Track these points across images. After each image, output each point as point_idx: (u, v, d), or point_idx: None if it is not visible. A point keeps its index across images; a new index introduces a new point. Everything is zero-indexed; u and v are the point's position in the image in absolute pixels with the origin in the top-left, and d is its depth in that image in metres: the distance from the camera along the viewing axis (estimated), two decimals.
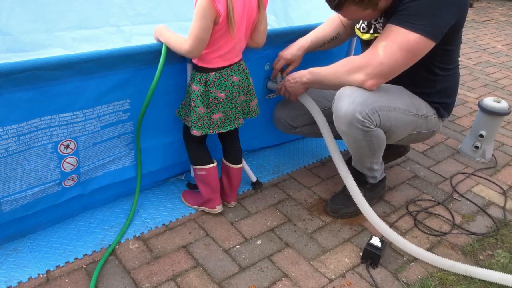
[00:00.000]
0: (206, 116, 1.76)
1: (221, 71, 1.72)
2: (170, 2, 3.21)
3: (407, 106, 1.85)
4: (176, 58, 1.80)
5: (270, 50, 2.12)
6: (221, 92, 1.74)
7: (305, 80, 1.91)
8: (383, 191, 2.22)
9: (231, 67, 1.74)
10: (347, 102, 1.72)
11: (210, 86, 1.72)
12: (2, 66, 1.38)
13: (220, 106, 1.76)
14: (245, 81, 1.82)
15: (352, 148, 1.91)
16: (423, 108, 1.92)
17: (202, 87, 1.71)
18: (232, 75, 1.75)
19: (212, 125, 1.78)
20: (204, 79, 1.71)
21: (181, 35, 1.67)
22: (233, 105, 1.80)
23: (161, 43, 1.71)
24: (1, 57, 2.60)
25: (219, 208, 2.00)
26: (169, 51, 1.70)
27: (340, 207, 2.07)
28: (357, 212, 2.02)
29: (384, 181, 2.19)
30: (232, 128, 1.84)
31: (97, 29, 2.96)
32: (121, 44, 3.01)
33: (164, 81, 1.81)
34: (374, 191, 2.14)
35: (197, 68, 1.73)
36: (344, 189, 2.05)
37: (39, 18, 2.73)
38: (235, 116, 1.83)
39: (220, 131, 1.82)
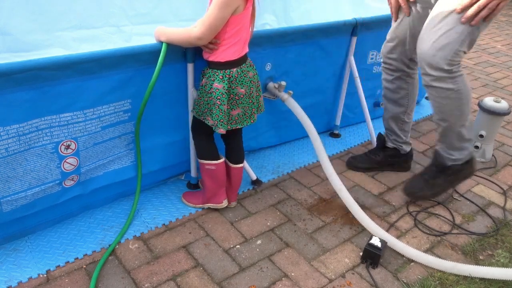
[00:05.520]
0: (226, 113, 1.75)
1: (241, 66, 1.72)
2: (170, 2, 3.21)
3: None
4: (176, 58, 1.80)
5: (270, 50, 2.12)
6: (241, 88, 1.74)
7: None
8: (468, 172, 2.12)
9: (246, 63, 1.75)
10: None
11: (233, 82, 1.71)
12: (2, 66, 1.38)
13: (240, 102, 1.76)
14: (256, 76, 1.83)
15: (441, 108, 1.91)
16: None
17: (226, 84, 1.70)
18: (249, 71, 1.76)
19: (230, 121, 1.78)
20: (227, 76, 1.70)
21: (183, 27, 1.67)
22: (250, 101, 1.81)
23: (161, 42, 1.70)
24: (1, 57, 2.60)
25: (225, 202, 2.00)
26: (169, 50, 1.70)
27: (416, 191, 2.13)
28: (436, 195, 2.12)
29: (472, 162, 2.09)
30: (248, 124, 1.84)
31: (97, 29, 2.95)
32: (121, 44, 3.00)
33: (164, 81, 1.81)
34: (457, 175, 2.10)
35: (216, 66, 1.71)
36: (423, 172, 2.14)
37: (39, 18, 2.73)
38: (251, 112, 1.83)
39: (237, 127, 1.82)
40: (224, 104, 1.71)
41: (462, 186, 2.38)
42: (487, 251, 1.93)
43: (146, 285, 1.64)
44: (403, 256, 1.86)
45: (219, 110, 1.72)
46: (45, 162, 1.64)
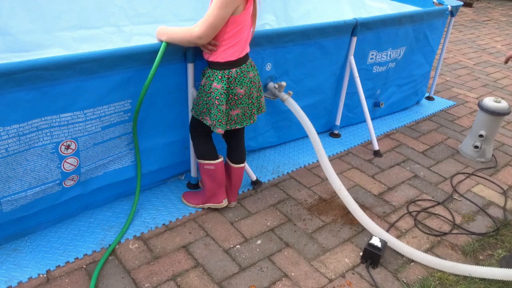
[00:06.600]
0: (225, 113, 1.76)
1: (241, 67, 1.72)
2: (170, 2, 3.21)
3: None
4: (176, 58, 1.80)
5: (270, 50, 2.12)
6: (241, 88, 1.74)
7: None
8: None
9: (247, 63, 1.75)
10: None
11: (232, 82, 1.72)
12: (2, 66, 1.38)
13: (239, 103, 1.76)
14: (257, 77, 1.83)
15: None
16: None
17: (225, 84, 1.70)
18: (249, 71, 1.76)
19: (229, 121, 1.79)
20: (226, 76, 1.70)
21: (185, 27, 1.67)
22: (250, 101, 1.81)
23: (161, 42, 1.70)
24: (1, 57, 2.60)
25: (225, 202, 2.01)
26: (169, 50, 1.70)
27: None
28: None
29: None
30: (248, 124, 1.84)
31: (97, 29, 2.96)
32: (121, 44, 3.01)
33: (164, 80, 1.81)
34: None
35: (215, 66, 1.71)
36: None
37: (39, 18, 2.73)
38: (251, 112, 1.84)
39: (236, 127, 1.82)
40: (223, 104, 1.71)
41: (462, 186, 2.38)
42: (487, 251, 1.93)
43: (146, 285, 1.64)
44: (403, 256, 1.86)
45: (218, 110, 1.72)
46: (45, 162, 1.64)
